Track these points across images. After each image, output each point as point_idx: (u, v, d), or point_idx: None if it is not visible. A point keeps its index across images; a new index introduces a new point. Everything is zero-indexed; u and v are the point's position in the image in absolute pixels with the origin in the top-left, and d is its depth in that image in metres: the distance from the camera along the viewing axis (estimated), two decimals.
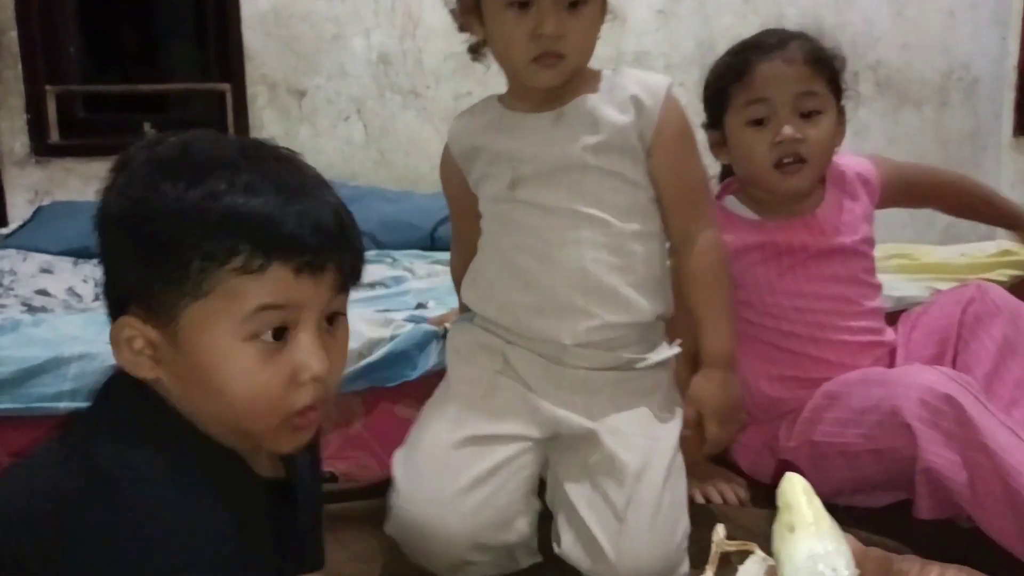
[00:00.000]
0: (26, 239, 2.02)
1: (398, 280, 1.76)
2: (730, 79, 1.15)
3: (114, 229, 0.63)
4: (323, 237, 0.62)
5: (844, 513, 1.10)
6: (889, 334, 1.21)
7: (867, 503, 1.11)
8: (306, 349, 0.62)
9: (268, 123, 2.40)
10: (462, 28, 1.06)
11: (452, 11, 1.06)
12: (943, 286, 1.34)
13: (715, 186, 1.28)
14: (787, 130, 1.12)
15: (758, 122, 1.14)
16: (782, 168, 1.14)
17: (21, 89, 2.28)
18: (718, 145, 1.20)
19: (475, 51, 1.07)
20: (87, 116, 2.46)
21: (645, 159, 1.02)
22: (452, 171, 1.13)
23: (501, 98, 1.09)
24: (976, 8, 2.80)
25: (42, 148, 2.30)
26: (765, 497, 1.16)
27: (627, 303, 1.01)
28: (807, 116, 1.13)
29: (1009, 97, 2.83)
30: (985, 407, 0.99)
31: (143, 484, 0.59)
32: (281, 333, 0.62)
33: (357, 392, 1.24)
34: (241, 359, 0.61)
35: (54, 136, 2.32)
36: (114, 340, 0.63)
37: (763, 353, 1.18)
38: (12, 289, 1.71)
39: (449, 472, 0.96)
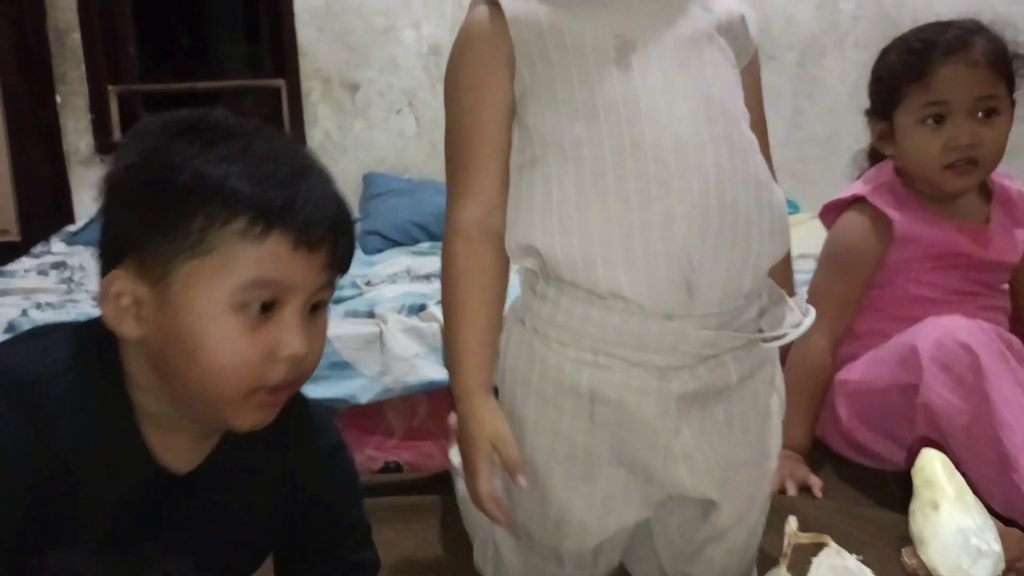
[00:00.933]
0: (94, 236, 2.07)
1: None
2: (908, 77, 1.13)
3: (124, 180, 0.65)
4: (323, 217, 0.64)
5: (894, 480, 1.11)
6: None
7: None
8: (289, 327, 0.64)
9: (322, 118, 2.43)
10: None
11: None
12: None
13: (862, 162, 1.27)
14: (963, 137, 1.11)
15: (934, 121, 1.13)
16: (953, 169, 1.13)
17: (85, 89, 2.34)
18: (885, 137, 1.19)
19: None
20: (147, 114, 2.52)
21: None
22: (498, 48, 0.77)
23: None
24: None
25: (106, 146, 2.37)
26: (834, 467, 1.17)
27: (773, 230, 0.78)
28: (984, 116, 1.13)
29: None
30: (1006, 361, 1.01)
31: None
32: (268, 307, 0.63)
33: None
34: (224, 325, 0.62)
35: (117, 134, 2.38)
36: (103, 293, 0.64)
37: (882, 324, 1.17)
38: (83, 284, 1.77)
39: None
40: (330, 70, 2.40)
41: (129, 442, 0.65)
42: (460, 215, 0.79)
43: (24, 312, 1.48)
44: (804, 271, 1.17)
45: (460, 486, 0.96)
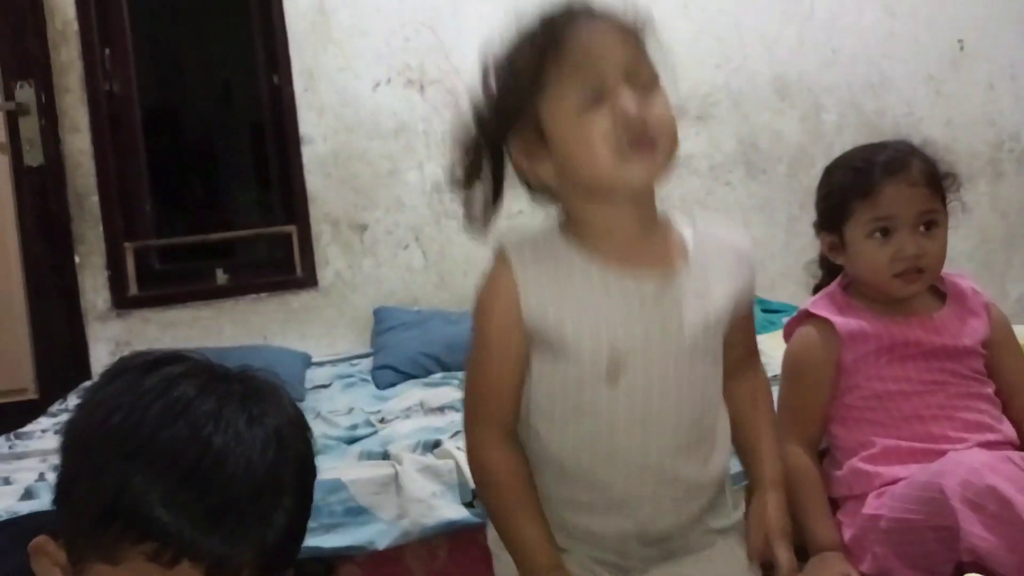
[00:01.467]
0: None
1: None
2: (855, 195, 1.21)
3: (65, 446, 0.64)
4: (243, 551, 0.60)
5: None
6: (1007, 426, 1.21)
7: None
8: None
9: (332, 258, 2.49)
10: (525, 180, 0.91)
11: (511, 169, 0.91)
12: None
13: (815, 271, 1.34)
14: (909, 249, 1.19)
15: (881, 233, 1.20)
16: (902, 277, 1.20)
17: (102, 248, 2.42)
18: (835, 249, 1.26)
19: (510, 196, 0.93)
20: (162, 267, 2.60)
21: None
22: (512, 318, 0.88)
23: (565, 235, 0.92)
24: (1015, 78, 2.80)
25: (122, 301, 2.43)
26: None
27: (713, 481, 0.95)
28: (925, 229, 1.20)
29: None
30: None
31: None
32: None
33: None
34: None
35: (133, 289, 2.45)
36: (32, 551, 0.64)
37: (865, 433, 1.21)
38: None
39: None
40: (338, 213, 2.49)
41: None
42: (482, 430, 0.91)
43: (41, 476, 1.48)
44: None
45: None
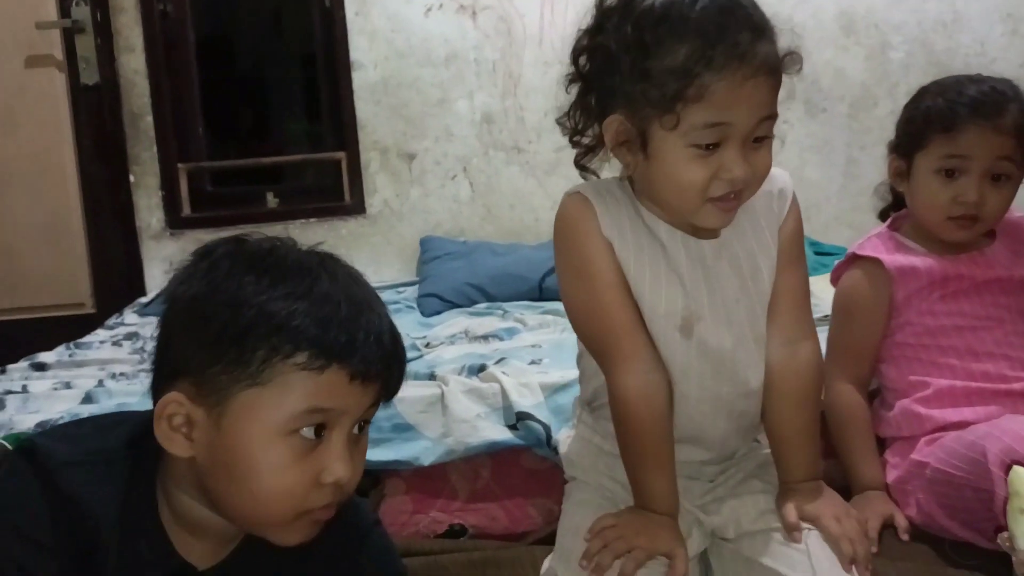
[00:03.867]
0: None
1: (511, 332, 1.80)
2: (935, 127, 1.17)
3: (187, 308, 0.68)
4: (380, 351, 0.68)
5: (951, 549, 1.08)
6: None
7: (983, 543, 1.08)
8: (336, 453, 0.67)
9: (381, 187, 2.50)
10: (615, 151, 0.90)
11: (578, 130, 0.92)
12: None
13: (885, 194, 1.30)
14: (971, 195, 1.16)
15: (948, 173, 1.17)
16: (955, 221, 1.18)
17: (156, 169, 2.46)
18: (900, 175, 1.23)
19: (586, 156, 0.93)
20: (215, 190, 2.63)
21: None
22: (603, 240, 0.91)
23: (630, 193, 0.94)
24: None
25: (176, 221, 2.48)
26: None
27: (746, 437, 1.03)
28: (995, 178, 1.17)
29: None
30: None
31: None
32: (320, 431, 0.67)
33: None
34: (276, 452, 0.65)
35: (186, 210, 2.49)
36: (157, 414, 0.68)
37: (917, 373, 1.20)
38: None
39: None
40: (388, 141, 2.49)
41: (151, 537, 0.69)
42: (624, 380, 0.90)
43: (100, 383, 1.54)
44: None
45: None
